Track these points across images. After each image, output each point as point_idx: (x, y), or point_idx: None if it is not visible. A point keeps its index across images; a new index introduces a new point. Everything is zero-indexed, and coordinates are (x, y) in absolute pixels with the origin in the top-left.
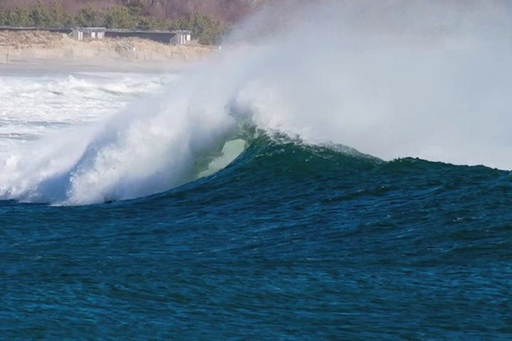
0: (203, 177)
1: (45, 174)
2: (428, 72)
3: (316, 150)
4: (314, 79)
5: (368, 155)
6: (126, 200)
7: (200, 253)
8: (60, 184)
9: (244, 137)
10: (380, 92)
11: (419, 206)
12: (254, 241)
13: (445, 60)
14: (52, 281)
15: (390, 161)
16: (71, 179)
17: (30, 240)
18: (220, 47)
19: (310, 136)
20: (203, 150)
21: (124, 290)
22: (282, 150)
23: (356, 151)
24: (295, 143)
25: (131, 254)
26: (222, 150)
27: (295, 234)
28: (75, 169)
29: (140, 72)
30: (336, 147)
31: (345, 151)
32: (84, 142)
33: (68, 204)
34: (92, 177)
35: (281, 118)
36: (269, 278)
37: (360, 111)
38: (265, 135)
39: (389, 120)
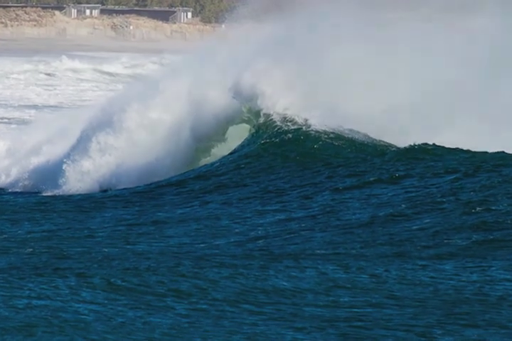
0: (205, 165)
1: (36, 161)
2: (448, 53)
3: (325, 136)
4: (324, 60)
5: (381, 140)
6: (123, 189)
7: (201, 245)
8: (52, 172)
9: (249, 121)
10: (397, 74)
11: (435, 195)
12: (260, 232)
13: (466, 40)
14: (44, 275)
15: (405, 147)
16: (64, 166)
17: (20, 232)
18: (223, 26)
19: (319, 120)
20: (205, 136)
21: (121, 285)
22: (289, 135)
23: (369, 137)
24: (303, 128)
25: (128, 247)
26: (226, 136)
27: (303, 225)
28: (68, 156)
29: (138, 52)
30: (347, 132)
31: (356, 137)
32: (78, 127)
33: (61, 194)
34: (86, 164)
35: (289, 101)
36: (275, 272)
37: (374, 94)
38: (271, 119)
39: (405, 104)
